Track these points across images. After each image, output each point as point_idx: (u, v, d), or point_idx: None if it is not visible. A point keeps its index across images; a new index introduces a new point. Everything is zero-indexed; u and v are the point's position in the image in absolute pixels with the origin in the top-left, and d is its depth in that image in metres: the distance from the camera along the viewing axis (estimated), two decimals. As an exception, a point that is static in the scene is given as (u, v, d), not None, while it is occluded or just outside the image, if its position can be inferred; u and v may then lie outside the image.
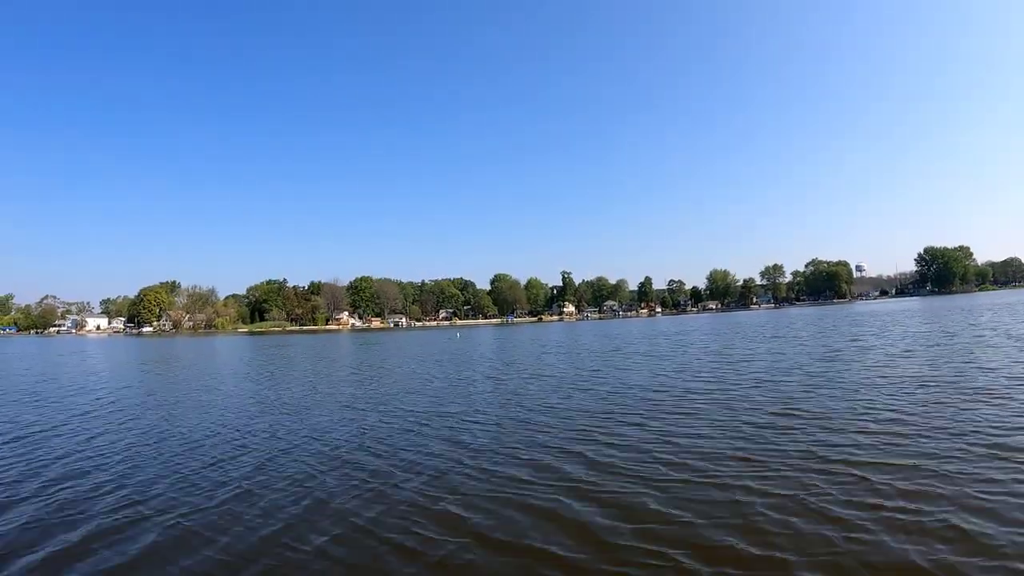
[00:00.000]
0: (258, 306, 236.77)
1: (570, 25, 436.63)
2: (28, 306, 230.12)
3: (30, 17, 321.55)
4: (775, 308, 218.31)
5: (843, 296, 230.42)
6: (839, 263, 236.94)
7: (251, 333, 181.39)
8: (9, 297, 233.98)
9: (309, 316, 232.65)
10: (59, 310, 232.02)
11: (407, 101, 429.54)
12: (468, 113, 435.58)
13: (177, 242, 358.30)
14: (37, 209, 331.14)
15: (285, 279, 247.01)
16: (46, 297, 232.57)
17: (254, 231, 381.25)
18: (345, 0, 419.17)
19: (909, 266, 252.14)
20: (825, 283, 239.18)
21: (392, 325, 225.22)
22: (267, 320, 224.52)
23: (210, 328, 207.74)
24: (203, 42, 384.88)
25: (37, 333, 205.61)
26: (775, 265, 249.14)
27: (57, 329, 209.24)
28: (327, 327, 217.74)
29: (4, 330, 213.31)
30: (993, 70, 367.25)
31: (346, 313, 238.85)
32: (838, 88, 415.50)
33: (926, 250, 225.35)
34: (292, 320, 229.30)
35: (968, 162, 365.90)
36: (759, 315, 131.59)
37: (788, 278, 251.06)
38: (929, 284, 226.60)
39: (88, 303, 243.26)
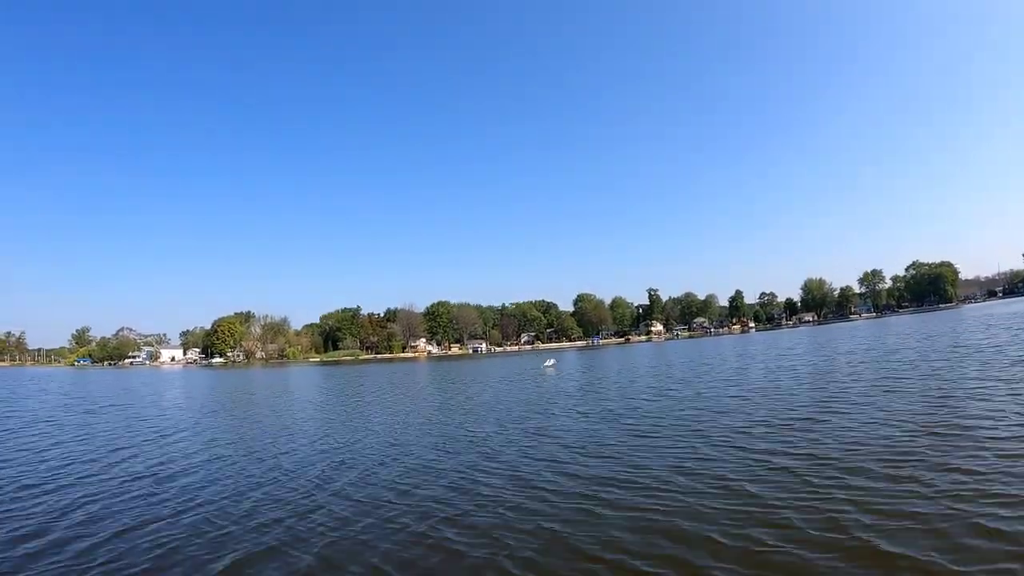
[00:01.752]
0: (332, 335, 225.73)
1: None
2: (104, 338, 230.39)
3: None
4: (876, 317, 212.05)
5: (949, 300, 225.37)
6: (942, 264, 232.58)
7: (322, 363, 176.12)
8: (86, 329, 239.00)
9: (385, 344, 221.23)
10: (136, 341, 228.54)
11: (486, 129, 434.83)
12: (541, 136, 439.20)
13: (257, 272, 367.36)
14: (118, 242, 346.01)
15: (359, 306, 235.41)
16: (122, 329, 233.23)
17: (330, 260, 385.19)
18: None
19: (1012, 264, 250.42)
20: (928, 287, 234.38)
21: (471, 351, 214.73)
22: (340, 349, 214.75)
23: (282, 358, 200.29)
24: (285, 80, 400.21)
25: (111, 364, 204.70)
26: (873, 271, 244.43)
27: (131, 361, 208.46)
28: (402, 355, 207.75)
29: (79, 362, 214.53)
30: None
31: (423, 340, 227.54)
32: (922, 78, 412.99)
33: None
34: (367, 348, 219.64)
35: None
36: (859, 327, 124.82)
37: (888, 284, 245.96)
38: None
39: (164, 335, 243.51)
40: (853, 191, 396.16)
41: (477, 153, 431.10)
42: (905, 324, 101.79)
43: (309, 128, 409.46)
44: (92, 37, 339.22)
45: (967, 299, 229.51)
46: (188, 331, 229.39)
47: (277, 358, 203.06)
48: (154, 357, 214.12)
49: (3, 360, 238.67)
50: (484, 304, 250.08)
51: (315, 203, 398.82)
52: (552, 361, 68.05)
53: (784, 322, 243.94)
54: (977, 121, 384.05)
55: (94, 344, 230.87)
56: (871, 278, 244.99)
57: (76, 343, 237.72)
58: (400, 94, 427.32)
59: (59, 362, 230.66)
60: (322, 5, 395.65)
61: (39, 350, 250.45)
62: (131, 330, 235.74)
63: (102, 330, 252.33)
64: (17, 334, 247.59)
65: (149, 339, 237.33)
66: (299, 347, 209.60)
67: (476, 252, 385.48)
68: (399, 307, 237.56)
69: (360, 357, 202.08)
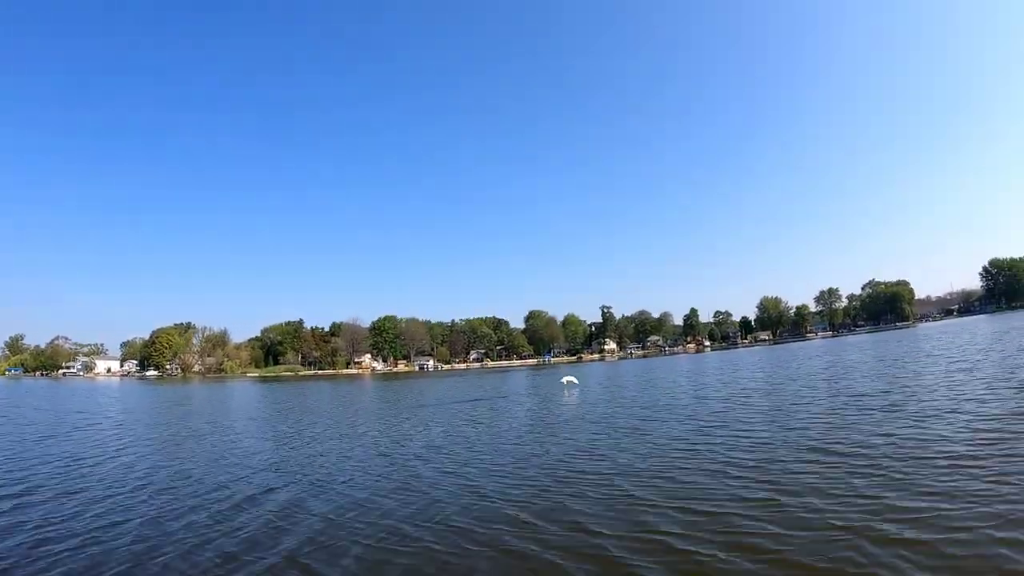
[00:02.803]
0: (273, 349, 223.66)
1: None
2: (37, 347, 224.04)
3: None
4: (832, 336, 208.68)
5: (905, 318, 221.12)
6: (899, 283, 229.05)
7: (262, 379, 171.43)
8: (19, 337, 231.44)
9: (328, 359, 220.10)
10: (70, 351, 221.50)
11: (448, 142, 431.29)
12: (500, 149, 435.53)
13: (200, 283, 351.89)
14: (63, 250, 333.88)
15: (302, 320, 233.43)
16: (57, 338, 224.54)
17: (277, 272, 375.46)
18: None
19: (966, 283, 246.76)
20: (885, 305, 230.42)
21: (418, 368, 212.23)
22: (281, 364, 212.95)
23: (220, 372, 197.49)
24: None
25: (43, 375, 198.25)
26: (830, 289, 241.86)
27: (64, 372, 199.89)
28: (345, 371, 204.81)
29: (10, 371, 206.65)
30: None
31: (368, 356, 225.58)
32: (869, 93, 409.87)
33: (991, 262, 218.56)
34: (310, 364, 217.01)
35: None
36: (815, 345, 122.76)
37: (844, 303, 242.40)
38: (997, 299, 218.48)
39: (102, 345, 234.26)
40: (810, 211, 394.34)
41: (429, 168, 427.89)
42: (861, 342, 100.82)
43: (253, 136, 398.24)
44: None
45: (923, 317, 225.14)
46: (128, 341, 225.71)
47: (215, 372, 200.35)
48: (89, 368, 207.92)
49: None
50: (434, 320, 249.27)
51: (265, 215, 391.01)
52: (571, 378, 56.21)
53: (740, 341, 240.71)
54: (931, 148, 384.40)
55: (27, 353, 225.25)
56: (827, 297, 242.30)
57: (9, 351, 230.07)
58: (339, 104, 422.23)
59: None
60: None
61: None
62: (66, 339, 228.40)
63: (38, 338, 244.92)
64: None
65: (87, 349, 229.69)
66: (238, 361, 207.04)
67: (428, 267, 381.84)
68: (344, 321, 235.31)
69: (300, 373, 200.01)
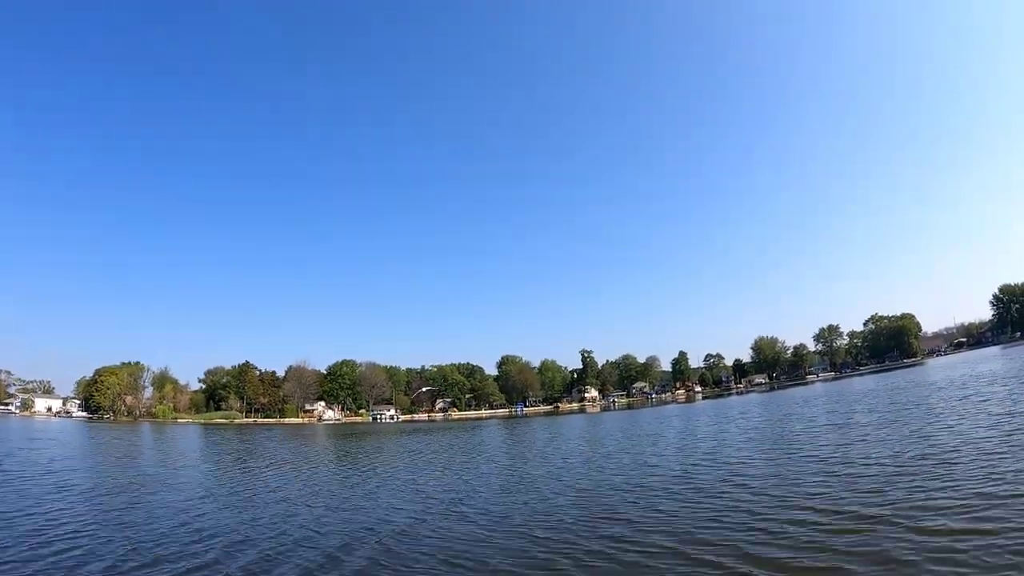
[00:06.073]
0: (215, 393, 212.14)
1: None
2: None
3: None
4: (834, 377, 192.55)
5: (912, 354, 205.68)
6: (904, 316, 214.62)
7: (189, 423, 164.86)
8: None
9: (277, 407, 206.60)
10: (10, 388, 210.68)
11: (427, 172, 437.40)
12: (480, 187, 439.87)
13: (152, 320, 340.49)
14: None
15: (248, 362, 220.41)
16: None
17: (227, 311, 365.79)
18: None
19: (972, 315, 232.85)
20: (889, 341, 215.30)
21: (371, 419, 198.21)
22: (223, 409, 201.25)
23: (151, 416, 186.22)
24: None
25: None
26: (830, 326, 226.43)
27: None
28: (289, 420, 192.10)
29: None
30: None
31: (322, 403, 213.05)
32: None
33: (1002, 289, 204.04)
34: (256, 410, 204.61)
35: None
36: (816, 391, 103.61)
37: (846, 340, 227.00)
38: (1009, 329, 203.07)
39: (49, 382, 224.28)
40: (806, 246, 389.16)
41: (414, 203, 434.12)
42: (867, 386, 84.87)
43: (211, 169, 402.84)
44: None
45: (932, 352, 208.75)
46: (84, 379, 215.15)
47: (146, 416, 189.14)
48: (27, 406, 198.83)
49: None
50: (403, 367, 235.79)
51: (225, 250, 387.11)
52: None
53: (734, 386, 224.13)
54: (932, 170, 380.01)
55: None
56: (827, 335, 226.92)
57: None
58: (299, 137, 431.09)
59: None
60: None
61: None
62: (8, 373, 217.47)
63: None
64: None
65: (30, 385, 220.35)
66: (170, 405, 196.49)
67: (395, 309, 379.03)
68: (293, 364, 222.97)
69: (236, 420, 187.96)
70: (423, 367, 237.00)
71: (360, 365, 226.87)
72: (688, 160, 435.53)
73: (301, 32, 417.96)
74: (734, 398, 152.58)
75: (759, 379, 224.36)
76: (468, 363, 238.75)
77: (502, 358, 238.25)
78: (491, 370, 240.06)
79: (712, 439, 40.74)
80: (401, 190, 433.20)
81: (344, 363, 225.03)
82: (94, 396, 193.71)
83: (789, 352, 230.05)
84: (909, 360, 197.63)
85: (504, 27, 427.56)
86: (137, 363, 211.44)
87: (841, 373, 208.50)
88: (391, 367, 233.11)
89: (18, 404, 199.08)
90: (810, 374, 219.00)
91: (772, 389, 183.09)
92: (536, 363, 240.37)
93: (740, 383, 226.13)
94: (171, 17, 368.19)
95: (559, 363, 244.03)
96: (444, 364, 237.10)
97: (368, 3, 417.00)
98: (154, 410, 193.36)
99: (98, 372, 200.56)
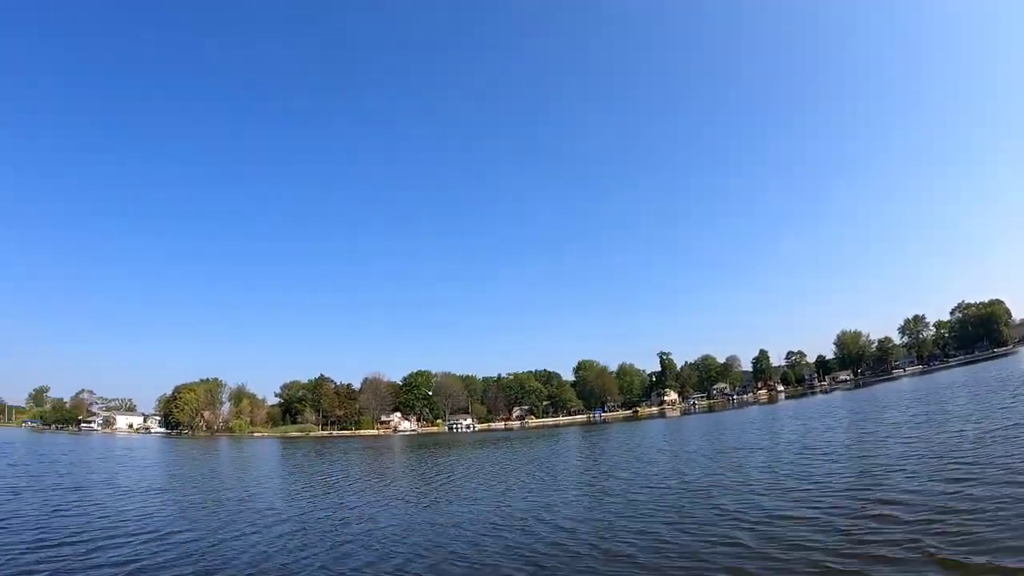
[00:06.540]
0: (291, 407, 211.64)
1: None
2: (60, 400, 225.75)
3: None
4: (922, 371, 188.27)
5: (1003, 343, 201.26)
6: (993, 303, 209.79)
7: (264, 437, 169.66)
8: (44, 389, 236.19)
9: (354, 419, 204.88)
10: (93, 406, 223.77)
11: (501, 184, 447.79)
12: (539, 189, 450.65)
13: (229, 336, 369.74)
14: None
15: (322, 375, 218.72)
16: (81, 391, 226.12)
17: (305, 329, 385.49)
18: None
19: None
20: (978, 330, 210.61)
21: (447, 429, 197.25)
22: (299, 423, 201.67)
23: (229, 431, 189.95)
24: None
25: (59, 428, 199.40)
26: (915, 317, 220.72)
27: (80, 426, 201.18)
28: (364, 432, 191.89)
29: (26, 423, 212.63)
30: None
31: (397, 414, 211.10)
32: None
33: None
34: (332, 423, 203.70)
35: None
36: (906, 387, 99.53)
37: (932, 331, 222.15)
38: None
39: (130, 400, 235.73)
40: (887, 233, 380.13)
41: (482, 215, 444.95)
42: (958, 378, 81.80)
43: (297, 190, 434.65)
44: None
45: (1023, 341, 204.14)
46: (161, 397, 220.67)
47: (223, 430, 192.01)
48: (109, 423, 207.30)
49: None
50: (480, 376, 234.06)
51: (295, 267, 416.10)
52: None
53: (816, 383, 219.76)
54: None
55: (48, 405, 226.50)
56: (912, 326, 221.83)
57: (33, 402, 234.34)
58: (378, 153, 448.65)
59: (10, 422, 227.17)
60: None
61: (1, 405, 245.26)
62: (91, 392, 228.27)
63: (65, 390, 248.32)
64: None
65: (112, 403, 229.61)
66: (247, 420, 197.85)
67: (470, 319, 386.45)
68: (369, 376, 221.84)
69: (311, 433, 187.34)
70: (499, 375, 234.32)
71: (436, 375, 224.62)
72: (777, 160, 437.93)
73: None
74: (819, 397, 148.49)
75: (843, 376, 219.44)
76: (545, 370, 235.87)
77: (579, 363, 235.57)
78: (568, 376, 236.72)
79: (831, 449, 33.64)
80: (492, 205, 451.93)
81: (419, 373, 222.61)
82: (173, 412, 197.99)
83: (874, 346, 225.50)
84: (1000, 349, 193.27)
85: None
86: (215, 379, 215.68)
87: (929, 366, 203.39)
88: (467, 376, 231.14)
89: (100, 422, 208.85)
90: (896, 368, 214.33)
91: (857, 386, 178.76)
92: (613, 367, 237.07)
93: (823, 380, 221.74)
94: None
95: (637, 366, 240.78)
96: (521, 372, 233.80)
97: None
98: (231, 424, 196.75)
99: (177, 389, 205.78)
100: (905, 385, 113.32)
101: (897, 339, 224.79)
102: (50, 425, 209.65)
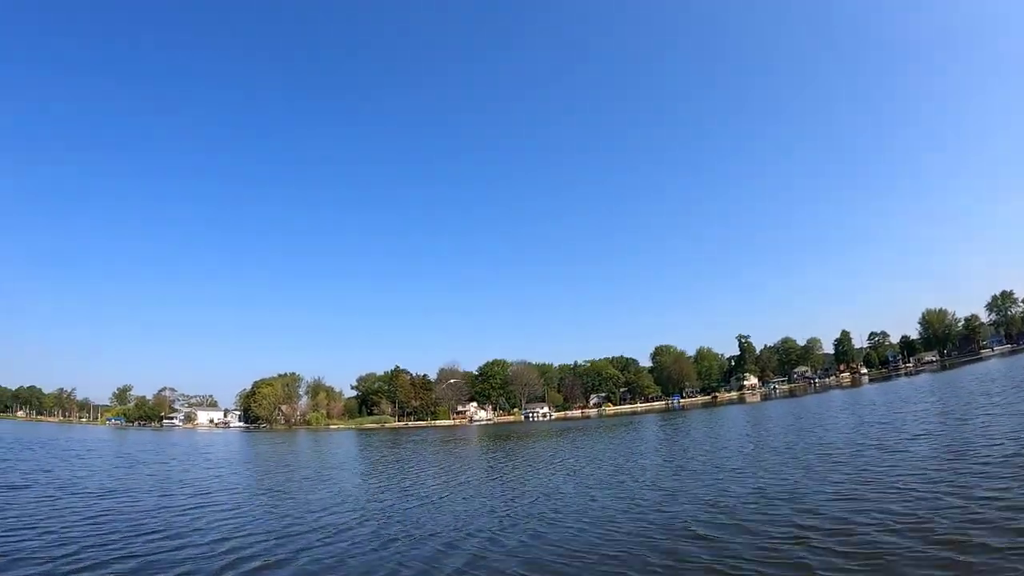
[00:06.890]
0: (367, 399, 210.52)
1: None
2: (142, 398, 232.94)
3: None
4: (1012, 351, 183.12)
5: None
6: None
7: (341, 429, 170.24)
8: (128, 388, 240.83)
9: (430, 409, 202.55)
10: (174, 403, 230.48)
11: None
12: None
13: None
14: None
15: (397, 366, 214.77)
16: (163, 389, 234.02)
17: (384, 319, 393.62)
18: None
19: None
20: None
21: (523, 418, 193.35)
22: (375, 415, 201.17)
23: (306, 424, 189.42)
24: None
25: (142, 425, 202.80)
26: (1003, 293, 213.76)
27: (161, 423, 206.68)
28: (439, 422, 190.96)
29: (110, 421, 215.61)
30: None
31: (473, 404, 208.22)
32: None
33: None
34: (409, 414, 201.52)
35: None
36: (997, 367, 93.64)
37: (1021, 308, 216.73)
38: None
39: (211, 396, 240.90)
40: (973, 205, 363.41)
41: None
42: None
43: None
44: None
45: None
46: (243, 391, 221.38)
47: (301, 423, 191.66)
48: (190, 419, 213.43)
49: (53, 416, 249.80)
50: (556, 364, 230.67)
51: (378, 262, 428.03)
52: None
53: (901, 365, 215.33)
54: None
55: (132, 403, 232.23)
56: (1001, 303, 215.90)
57: (117, 401, 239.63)
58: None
59: (95, 421, 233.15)
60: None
61: (87, 404, 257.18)
62: (173, 390, 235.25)
63: (148, 388, 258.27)
64: (69, 390, 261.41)
65: (193, 400, 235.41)
66: (323, 412, 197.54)
67: (546, 308, 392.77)
68: (443, 366, 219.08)
69: (387, 424, 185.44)
70: (575, 363, 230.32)
71: (511, 364, 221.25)
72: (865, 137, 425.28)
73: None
74: (904, 379, 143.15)
75: (929, 356, 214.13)
76: (622, 356, 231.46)
77: (656, 348, 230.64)
78: (645, 362, 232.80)
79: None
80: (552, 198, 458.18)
81: (495, 363, 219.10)
82: (252, 407, 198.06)
83: (960, 325, 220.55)
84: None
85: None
86: (292, 374, 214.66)
87: (1019, 345, 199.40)
88: (543, 364, 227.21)
89: (181, 418, 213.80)
90: (984, 347, 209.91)
91: (944, 368, 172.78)
92: (691, 352, 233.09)
93: (908, 362, 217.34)
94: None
95: (715, 350, 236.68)
96: (597, 359, 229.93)
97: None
98: (308, 417, 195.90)
99: (256, 384, 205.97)
100: (997, 365, 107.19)
101: (984, 317, 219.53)
102: (133, 422, 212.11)
